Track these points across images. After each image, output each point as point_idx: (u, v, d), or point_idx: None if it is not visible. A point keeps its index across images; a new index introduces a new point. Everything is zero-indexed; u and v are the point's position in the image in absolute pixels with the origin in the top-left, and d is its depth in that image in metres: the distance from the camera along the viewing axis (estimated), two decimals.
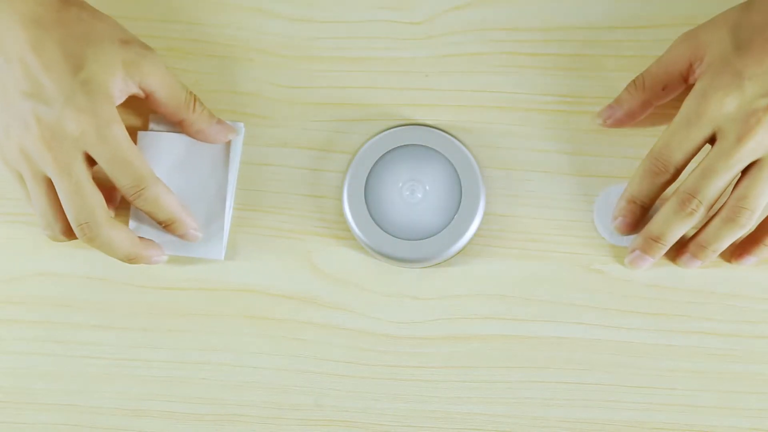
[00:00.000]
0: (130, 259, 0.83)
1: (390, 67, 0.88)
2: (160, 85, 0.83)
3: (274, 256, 0.87)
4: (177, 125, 0.86)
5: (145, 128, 0.87)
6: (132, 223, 0.86)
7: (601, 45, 0.88)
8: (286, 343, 0.86)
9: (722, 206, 0.81)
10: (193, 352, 0.86)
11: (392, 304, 0.86)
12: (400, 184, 0.86)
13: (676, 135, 0.80)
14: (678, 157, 0.81)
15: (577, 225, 0.86)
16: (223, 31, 0.89)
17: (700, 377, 0.85)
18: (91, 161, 0.80)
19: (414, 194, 0.86)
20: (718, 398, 0.85)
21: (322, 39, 0.88)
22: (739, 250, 0.85)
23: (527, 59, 0.88)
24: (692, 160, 0.81)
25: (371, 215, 0.86)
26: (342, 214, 0.86)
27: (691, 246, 0.84)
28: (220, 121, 0.86)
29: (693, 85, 0.81)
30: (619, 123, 0.86)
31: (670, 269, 0.86)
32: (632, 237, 0.85)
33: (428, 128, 0.87)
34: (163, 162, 0.86)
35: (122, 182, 0.81)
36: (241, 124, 0.87)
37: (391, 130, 0.87)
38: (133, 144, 0.81)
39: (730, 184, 0.80)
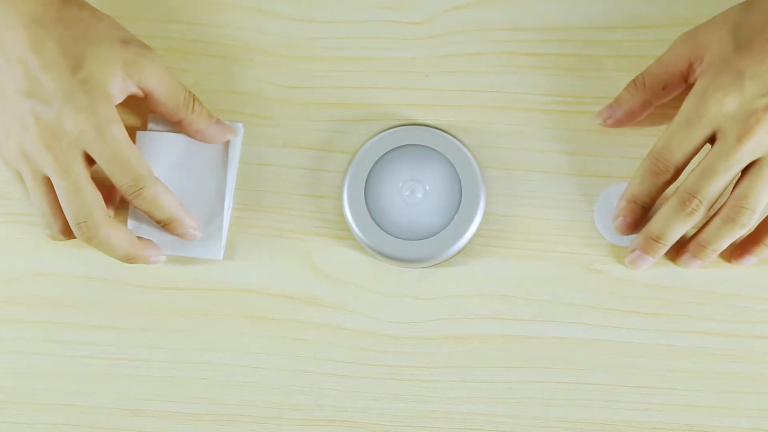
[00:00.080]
0: (129, 259, 0.83)
1: (390, 67, 0.88)
2: (159, 84, 0.83)
3: (274, 256, 0.87)
4: (176, 125, 0.86)
5: (144, 128, 0.87)
6: (131, 223, 0.86)
7: (601, 45, 0.88)
8: (286, 343, 0.86)
9: (722, 206, 0.81)
10: (193, 352, 0.86)
11: (392, 304, 0.86)
12: (400, 184, 0.86)
13: (676, 135, 0.80)
14: (678, 156, 0.81)
15: (577, 225, 0.86)
16: (223, 31, 0.89)
17: (700, 377, 0.85)
18: (90, 160, 0.81)
19: (414, 194, 0.86)
20: (718, 398, 0.85)
21: (322, 39, 0.88)
22: (739, 249, 0.85)
23: (527, 59, 0.88)
24: (692, 160, 0.81)
25: (371, 215, 0.86)
26: (342, 214, 0.86)
27: (691, 246, 0.84)
28: (218, 121, 0.86)
29: (693, 84, 0.81)
30: (619, 123, 0.86)
31: (670, 269, 0.86)
32: (632, 237, 0.85)
33: (428, 128, 0.87)
34: (162, 162, 0.86)
35: (121, 181, 0.81)
36: (240, 125, 0.87)
37: (391, 130, 0.87)
38: (132, 143, 0.81)
39: (730, 183, 0.80)
